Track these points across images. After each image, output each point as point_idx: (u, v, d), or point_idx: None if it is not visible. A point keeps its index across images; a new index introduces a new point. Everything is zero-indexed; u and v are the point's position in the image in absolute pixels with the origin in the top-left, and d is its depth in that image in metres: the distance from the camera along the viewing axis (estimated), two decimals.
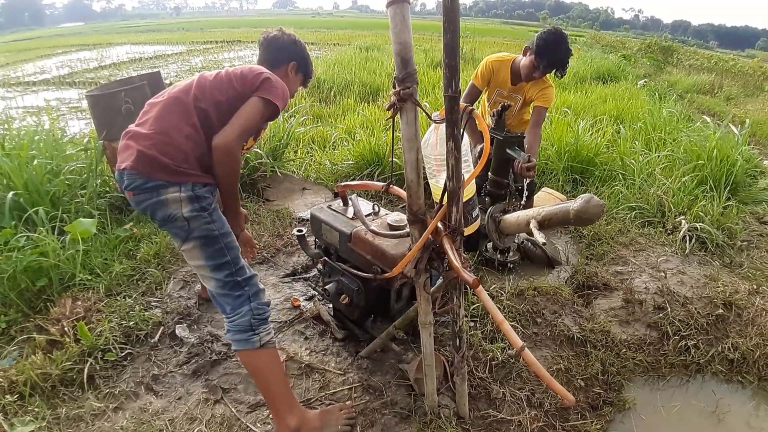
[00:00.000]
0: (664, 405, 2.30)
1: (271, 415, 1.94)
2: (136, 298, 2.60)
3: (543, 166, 4.56)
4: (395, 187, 2.04)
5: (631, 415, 2.21)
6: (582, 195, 2.00)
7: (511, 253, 3.13)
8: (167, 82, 8.90)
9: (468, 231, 2.01)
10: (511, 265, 3.06)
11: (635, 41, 30.41)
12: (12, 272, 2.51)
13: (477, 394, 2.11)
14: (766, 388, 2.39)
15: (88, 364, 2.14)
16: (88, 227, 2.79)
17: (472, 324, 2.49)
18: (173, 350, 2.34)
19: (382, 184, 2.06)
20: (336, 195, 2.36)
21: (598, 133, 5.13)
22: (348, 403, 2.01)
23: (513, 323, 2.51)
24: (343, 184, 2.25)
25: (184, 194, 1.64)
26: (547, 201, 3.58)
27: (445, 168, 1.40)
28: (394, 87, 1.32)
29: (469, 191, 1.98)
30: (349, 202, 2.28)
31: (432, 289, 1.73)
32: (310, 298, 2.72)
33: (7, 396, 1.97)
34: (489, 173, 3.11)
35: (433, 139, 1.70)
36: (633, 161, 4.57)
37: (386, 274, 1.82)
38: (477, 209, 2.13)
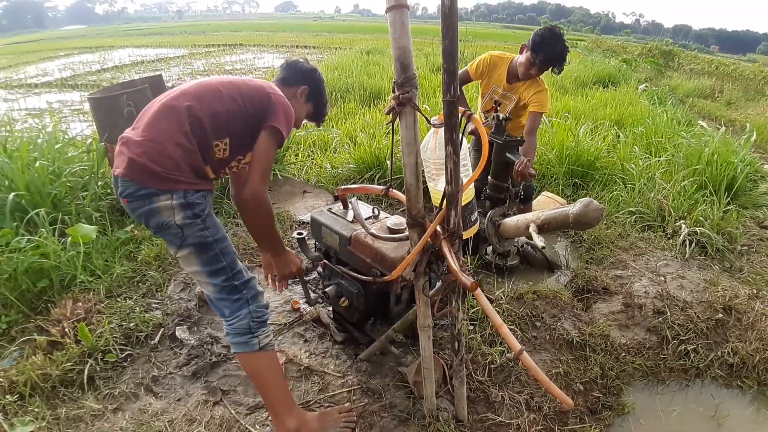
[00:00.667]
0: (664, 409, 2.30)
1: (270, 417, 1.94)
2: (136, 300, 2.61)
3: (543, 170, 4.57)
4: (395, 190, 2.04)
5: (630, 420, 2.22)
6: (581, 199, 2.01)
7: (510, 257, 3.14)
8: (169, 84, 8.93)
9: (467, 234, 2.02)
10: (510, 268, 3.07)
11: (636, 45, 30.45)
12: (13, 273, 2.52)
13: (476, 397, 2.12)
14: (766, 392, 2.40)
15: (88, 365, 2.15)
16: (88, 233, 2.80)
17: (471, 327, 2.50)
18: (173, 352, 2.34)
19: (382, 187, 2.07)
20: (336, 198, 2.37)
21: (598, 138, 5.14)
22: (347, 405, 2.02)
23: (512, 327, 2.51)
24: (343, 187, 2.26)
25: (176, 202, 1.62)
26: (547, 205, 3.58)
27: (444, 172, 1.41)
28: (394, 91, 1.33)
29: (467, 195, 1.99)
30: (349, 205, 2.28)
31: (431, 292, 1.73)
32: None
33: (8, 396, 1.97)
34: (489, 177, 3.12)
35: (432, 143, 1.71)
36: (633, 165, 4.58)
37: (386, 277, 1.83)
38: (476, 213, 2.14)
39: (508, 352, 2.31)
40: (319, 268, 2.44)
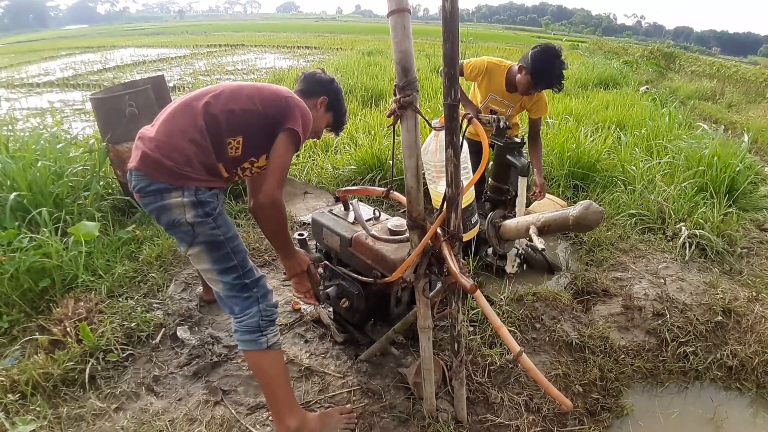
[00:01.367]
0: (663, 411, 2.31)
1: (270, 417, 1.95)
2: (137, 300, 2.62)
3: (544, 172, 4.57)
4: (396, 192, 2.05)
5: (629, 422, 2.22)
6: (581, 201, 2.01)
7: (515, 261, 3.14)
8: (171, 85, 8.95)
9: (467, 237, 2.03)
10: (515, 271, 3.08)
11: (637, 47, 30.47)
12: (15, 273, 2.53)
13: (475, 398, 2.12)
14: (765, 395, 2.40)
15: (90, 364, 2.16)
16: (91, 230, 2.81)
17: (471, 329, 2.51)
18: (174, 352, 2.35)
19: (383, 189, 2.08)
20: (337, 199, 2.38)
21: (599, 140, 5.14)
22: (348, 406, 2.02)
23: (512, 328, 2.52)
24: (344, 189, 2.27)
25: (187, 199, 1.62)
26: (548, 207, 3.59)
27: (445, 174, 1.42)
28: (395, 95, 1.33)
29: (468, 197, 2.00)
30: (350, 206, 2.29)
31: (431, 293, 1.74)
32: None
33: (9, 395, 1.99)
34: (489, 179, 3.13)
35: (433, 146, 1.72)
36: (634, 168, 4.59)
37: (386, 279, 1.84)
38: (476, 215, 2.15)
39: (508, 353, 2.30)
40: (320, 269, 2.45)
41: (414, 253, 1.59)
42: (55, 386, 2.07)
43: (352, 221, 2.25)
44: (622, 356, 2.50)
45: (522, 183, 2.95)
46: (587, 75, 10.99)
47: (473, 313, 2.59)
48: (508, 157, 2.90)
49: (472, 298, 1.49)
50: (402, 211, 3.67)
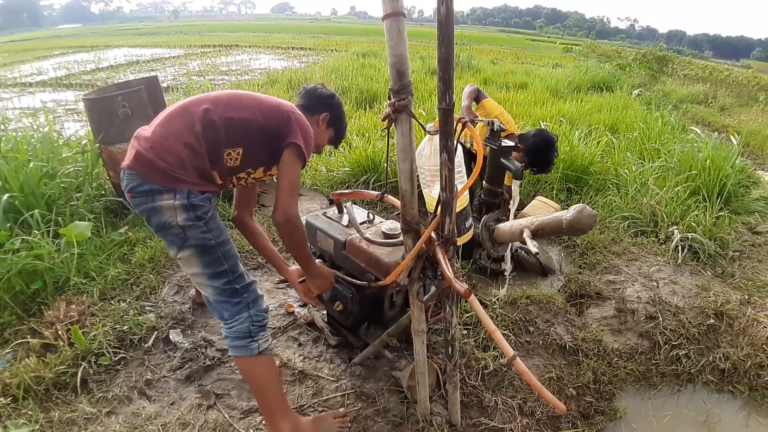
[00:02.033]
0: (655, 414, 2.32)
1: (263, 422, 1.94)
2: (130, 303, 2.61)
3: (538, 175, 4.59)
4: (390, 196, 2.05)
5: (622, 425, 2.23)
6: (575, 205, 2.02)
7: (508, 264, 3.15)
8: (164, 85, 8.91)
9: (461, 241, 2.03)
10: (509, 274, 3.08)
11: (631, 50, 30.64)
12: (6, 275, 2.50)
13: (469, 401, 2.12)
14: (757, 397, 2.42)
15: (82, 368, 2.14)
16: (83, 230, 2.79)
17: (464, 332, 2.51)
18: (167, 355, 2.34)
19: (377, 193, 2.08)
20: (331, 202, 2.38)
21: (592, 143, 5.16)
22: (341, 410, 2.02)
23: (506, 332, 2.52)
24: (338, 192, 2.26)
25: (179, 202, 1.61)
26: (542, 210, 3.60)
27: (439, 178, 1.42)
28: (390, 98, 1.33)
29: (462, 201, 2.00)
30: (344, 209, 2.29)
31: (425, 297, 1.74)
32: (305, 305, 2.73)
33: (1, 399, 1.96)
34: (483, 182, 3.14)
35: (428, 150, 1.72)
36: (627, 171, 4.61)
37: (380, 282, 1.84)
38: (470, 219, 2.15)
39: (502, 357, 2.32)
40: None
41: (408, 257, 1.59)
42: (46, 390, 2.05)
43: (346, 224, 2.25)
44: (616, 359, 2.51)
45: (515, 186, 2.97)
46: (581, 78, 11.03)
47: (467, 317, 2.59)
48: (502, 160, 2.90)
49: (466, 301, 1.49)
50: (396, 214, 3.67)
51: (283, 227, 1.69)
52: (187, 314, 2.60)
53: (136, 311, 2.53)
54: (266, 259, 2.42)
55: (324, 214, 2.37)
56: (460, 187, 1.58)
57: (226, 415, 2.02)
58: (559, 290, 3.05)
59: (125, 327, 2.40)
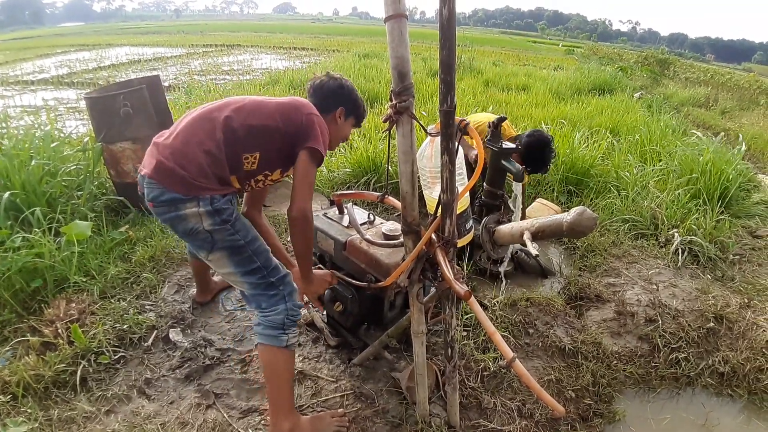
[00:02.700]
0: (654, 417, 2.32)
1: (263, 421, 1.95)
2: (130, 302, 2.61)
3: (539, 177, 4.59)
4: (390, 197, 2.06)
5: (621, 427, 2.23)
6: (575, 208, 2.03)
7: (505, 263, 3.15)
8: (166, 84, 8.92)
9: (461, 243, 2.03)
10: (504, 276, 3.08)
11: (632, 53, 30.63)
12: (7, 273, 2.51)
13: (468, 403, 2.12)
14: (756, 401, 2.41)
15: (81, 366, 2.15)
16: (83, 230, 2.79)
17: (464, 334, 2.51)
18: (166, 354, 2.34)
19: (378, 194, 2.08)
20: (332, 203, 2.38)
21: (593, 145, 5.16)
22: (340, 410, 2.02)
23: (505, 334, 2.52)
24: (339, 192, 2.27)
25: (203, 209, 1.64)
26: (542, 212, 3.60)
27: (440, 180, 1.42)
28: (391, 100, 1.34)
29: (462, 203, 2.00)
30: (345, 210, 2.29)
31: (425, 299, 1.74)
32: (306, 305, 2.73)
33: (0, 396, 1.97)
34: (484, 183, 3.14)
35: (429, 152, 1.72)
36: (627, 174, 4.61)
37: (380, 283, 1.84)
38: (471, 221, 2.15)
39: (501, 358, 2.32)
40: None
41: (408, 258, 1.59)
42: (46, 388, 2.06)
43: (346, 225, 2.25)
44: (615, 362, 2.51)
45: (517, 188, 2.97)
46: (582, 80, 11.02)
47: (466, 318, 2.59)
48: (503, 162, 2.90)
49: (466, 303, 1.49)
50: (396, 215, 3.67)
51: (299, 222, 1.73)
52: (187, 313, 2.60)
53: (136, 310, 2.53)
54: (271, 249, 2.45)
55: (324, 214, 2.38)
56: (460, 188, 1.58)
57: (225, 414, 2.02)
58: (558, 292, 3.05)
59: (125, 326, 2.40)
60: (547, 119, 6.55)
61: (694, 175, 4.46)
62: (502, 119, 2.94)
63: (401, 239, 1.77)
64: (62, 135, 4.29)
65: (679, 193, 4.20)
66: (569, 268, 3.36)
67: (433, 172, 1.79)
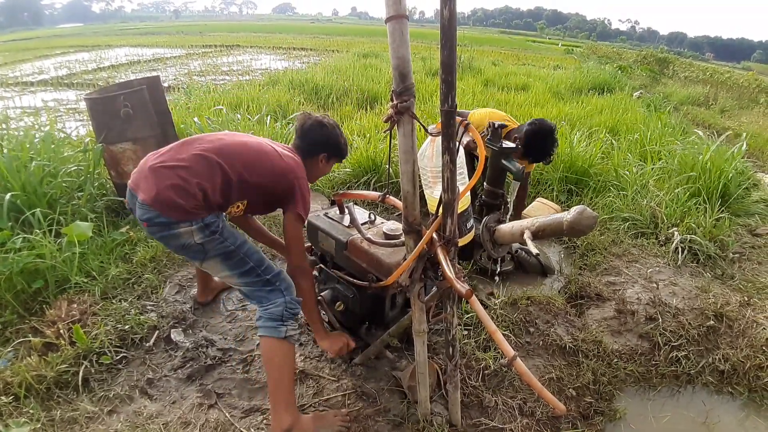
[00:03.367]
0: (655, 415, 2.32)
1: (264, 421, 1.96)
2: (131, 302, 2.61)
3: (538, 176, 4.60)
4: (391, 197, 2.06)
5: (622, 425, 2.24)
6: (575, 207, 2.03)
7: (504, 262, 3.15)
8: (165, 85, 8.91)
9: (462, 242, 2.04)
10: (502, 276, 3.09)
11: (631, 52, 30.64)
12: (8, 274, 2.51)
13: (469, 402, 2.13)
14: (756, 399, 2.42)
15: (83, 366, 2.15)
16: (84, 231, 2.80)
17: (465, 333, 2.51)
18: (168, 354, 2.35)
19: (379, 194, 2.09)
20: (333, 203, 2.38)
21: (593, 144, 5.17)
22: (343, 410, 2.03)
23: (506, 332, 2.53)
24: (340, 192, 2.27)
25: (195, 227, 1.77)
26: (542, 211, 3.60)
27: (441, 180, 1.42)
28: (392, 100, 1.34)
29: (463, 203, 2.01)
30: (346, 210, 2.30)
31: (426, 298, 1.75)
32: None
33: (2, 397, 1.98)
34: (484, 183, 3.14)
35: (430, 152, 1.72)
36: (627, 173, 4.61)
37: (381, 283, 1.85)
38: (471, 220, 2.15)
39: (502, 357, 2.33)
40: (315, 273, 2.45)
41: (410, 258, 1.59)
42: (48, 389, 2.06)
43: (347, 225, 2.25)
44: (615, 360, 2.52)
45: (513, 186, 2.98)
46: (581, 79, 11.03)
47: (468, 317, 2.60)
48: (503, 161, 2.90)
49: (467, 302, 1.50)
50: (397, 215, 3.68)
51: (301, 272, 1.95)
52: (189, 314, 2.61)
53: (137, 310, 2.54)
54: (268, 245, 2.62)
55: (325, 214, 2.38)
56: (461, 188, 1.58)
57: (227, 414, 2.03)
58: (559, 291, 3.05)
59: (126, 326, 2.40)
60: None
61: (693, 174, 4.46)
62: (501, 126, 2.95)
63: (402, 239, 1.78)
64: (62, 135, 4.29)
65: (678, 192, 4.21)
66: (569, 266, 3.37)
67: (434, 171, 1.78)
